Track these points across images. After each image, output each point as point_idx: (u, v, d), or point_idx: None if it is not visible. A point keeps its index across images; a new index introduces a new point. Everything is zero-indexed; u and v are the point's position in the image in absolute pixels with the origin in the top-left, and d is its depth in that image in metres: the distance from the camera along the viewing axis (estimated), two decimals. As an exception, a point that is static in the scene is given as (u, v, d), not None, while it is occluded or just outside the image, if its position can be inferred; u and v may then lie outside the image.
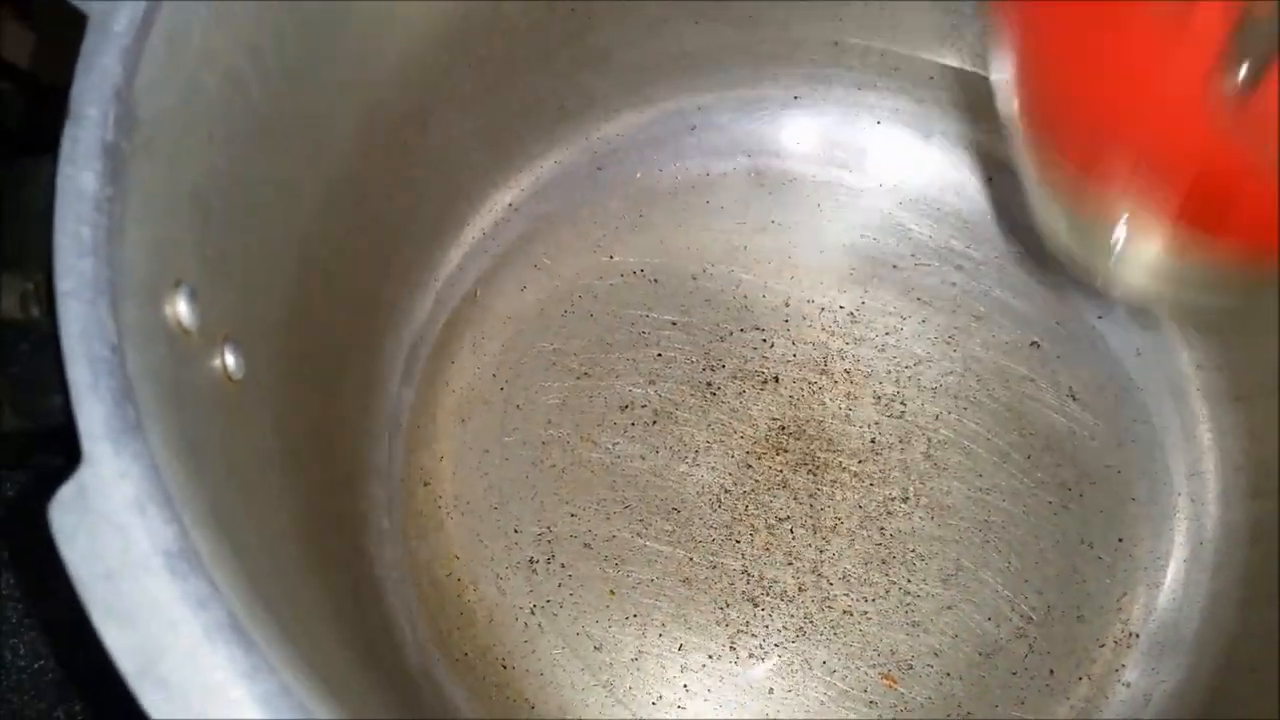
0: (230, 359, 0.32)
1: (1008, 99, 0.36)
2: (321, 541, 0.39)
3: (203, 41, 0.31)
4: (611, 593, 0.47)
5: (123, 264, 0.26)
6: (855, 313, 0.52)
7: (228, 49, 0.32)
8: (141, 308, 0.27)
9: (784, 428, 0.50)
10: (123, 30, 0.27)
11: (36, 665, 0.43)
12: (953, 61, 0.52)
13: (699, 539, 0.48)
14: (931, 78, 0.52)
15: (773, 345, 0.52)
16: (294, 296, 0.39)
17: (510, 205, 0.53)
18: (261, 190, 0.35)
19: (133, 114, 0.27)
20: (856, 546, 0.48)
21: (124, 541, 0.22)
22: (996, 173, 0.53)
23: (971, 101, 0.52)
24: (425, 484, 0.49)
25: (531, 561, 0.48)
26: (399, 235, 0.48)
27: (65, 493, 0.22)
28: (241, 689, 0.21)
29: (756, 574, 0.48)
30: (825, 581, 0.48)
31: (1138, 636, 0.47)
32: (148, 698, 0.21)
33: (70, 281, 0.24)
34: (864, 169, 0.55)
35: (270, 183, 0.36)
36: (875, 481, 0.49)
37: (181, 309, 0.29)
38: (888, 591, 0.48)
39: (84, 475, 0.22)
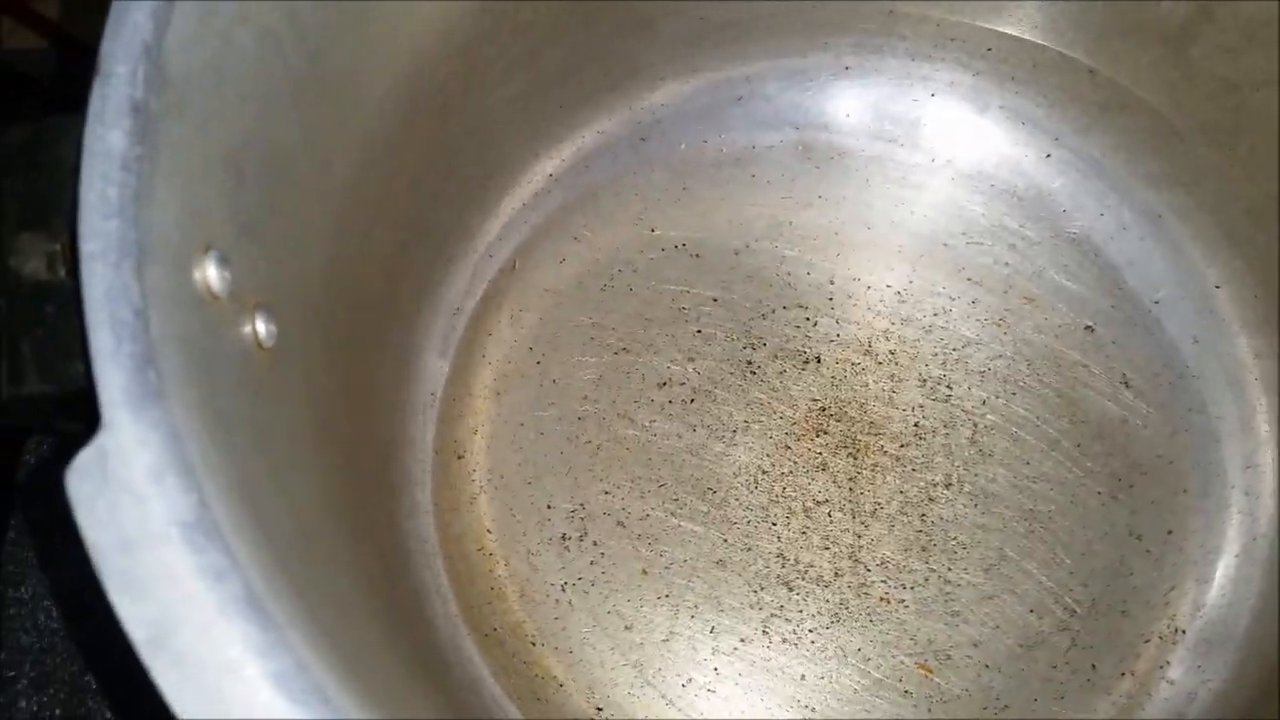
0: (262, 327, 0.31)
1: None
2: (352, 514, 0.38)
3: (239, 6, 0.30)
4: (644, 572, 0.47)
5: (150, 227, 0.25)
6: (902, 292, 0.51)
7: (262, 7, 0.31)
8: (169, 272, 0.26)
9: (825, 409, 0.49)
10: (154, -14, 0.27)
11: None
12: (1011, 30, 0.50)
13: (734, 520, 0.47)
14: (989, 49, 0.50)
15: (816, 324, 0.50)
16: (328, 264, 0.38)
17: (551, 175, 0.52)
18: (296, 154, 0.34)
19: (163, 72, 0.27)
20: (896, 532, 0.47)
21: (141, 511, 0.21)
22: (1054, 148, 0.51)
23: (1030, 74, 0.50)
24: (459, 457, 0.48)
25: (564, 538, 0.47)
26: (436, 202, 0.47)
27: (83, 459, 0.21)
28: (256, 666, 0.21)
29: (792, 558, 0.47)
30: (862, 567, 0.47)
31: (1184, 633, 0.46)
32: (160, 672, 0.20)
33: (95, 243, 0.24)
34: (916, 143, 0.53)
35: (305, 146, 0.35)
36: (917, 466, 0.48)
37: (211, 274, 0.28)
38: (927, 579, 0.46)
39: (102, 442, 0.22)
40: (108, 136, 0.25)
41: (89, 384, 0.23)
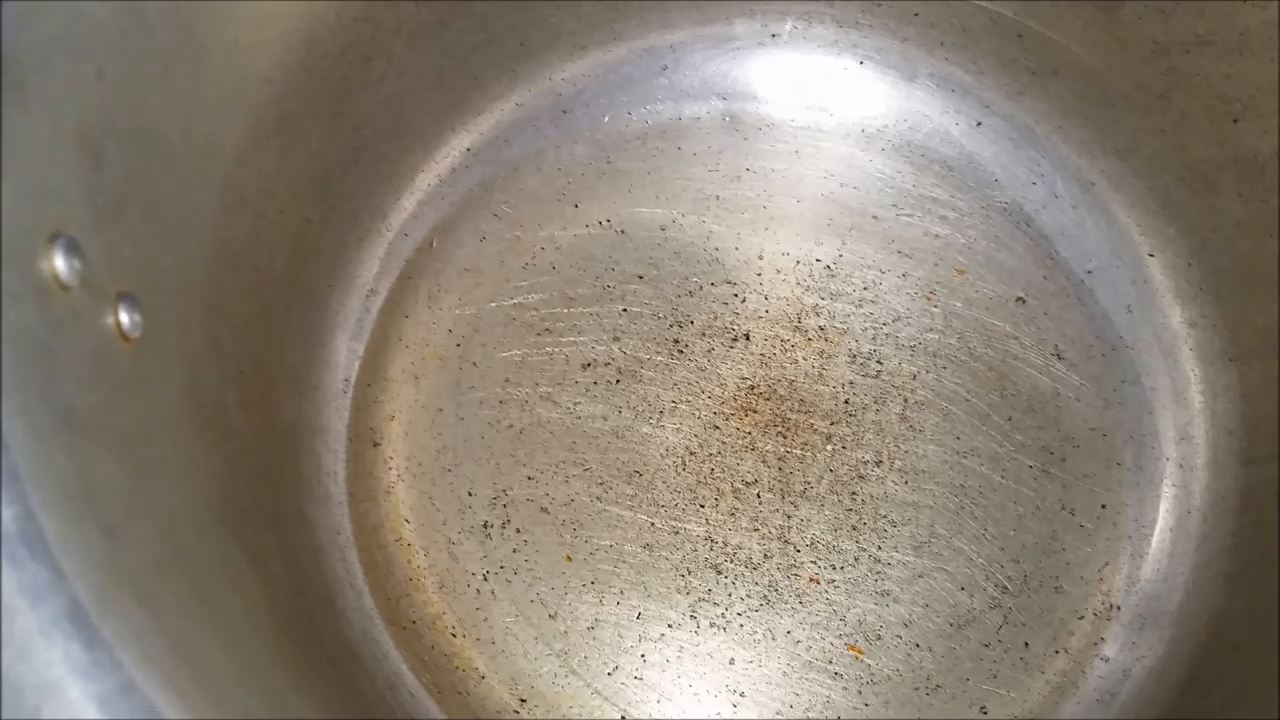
0: (125, 317, 0.29)
1: None
2: (248, 507, 0.37)
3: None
4: (568, 558, 0.45)
5: (-19, 214, 0.23)
6: (832, 266, 0.49)
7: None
8: (8, 263, 0.24)
9: (754, 387, 0.48)
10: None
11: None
12: (937, -7, 0.48)
13: (662, 503, 0.46)
14: (917, 14, 0.49)
15: (744, 300, 0.49)
16: (216, 243, 0.36)
17: (468, 150, 0.50)
18: (170, 131, 0.33)
19: (-5, 47, 0.25)
20: (826, 512, 0.46)
21: (-47, 525, 0.20)
22: (985, 116, 0.50)
23: (960, 40, 0.49)
24: (375, 445, 0.47)
25: (485, 526, 0.46)
26: (344, 179, 0.45)
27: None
28: (78, 688, 0.19)
29: (720, 540, 0.46)
30: (792, 548, 0.46)
31: (1118, 609, 0.45)
32: (-33, 700, 0.19)
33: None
34: (845, 113, 0.51)
35: (181, 123, 0.33)
36: (848, 444, 0.47)
37: (59, 264, 0.26)
38: (857, 559, 0.45)
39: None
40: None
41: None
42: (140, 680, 0.20)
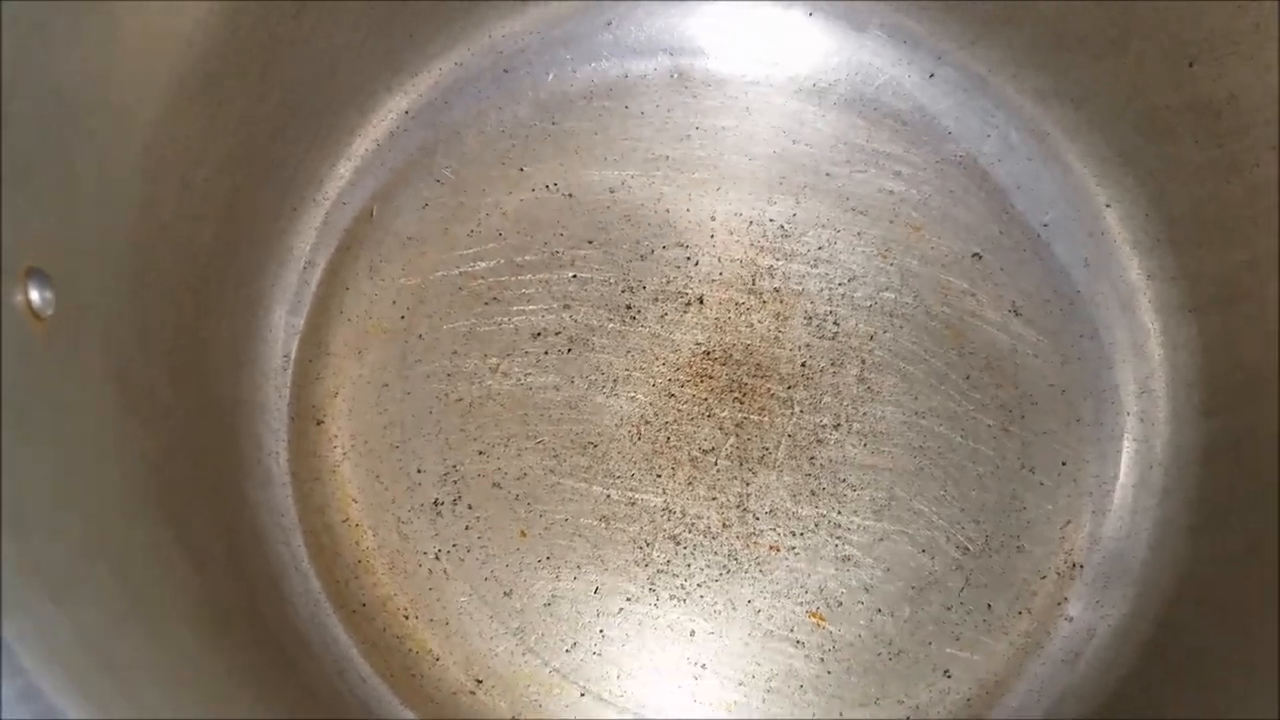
0: (35, 294, 0.27)
1: None
2: (184, 491, 0.35)
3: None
4: (523, 534, 0.44)
5: None
6: (786, 225, 0.48)
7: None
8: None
9: (709, 353, 0.47)
10: None
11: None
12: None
13: (617, 474, 0.45)
14: (865, -37, 0.47)
15: (697, 263, 0.48)
16: (138, 213, 0.34)
17: (407, 113, 0.48)
18: (81, 93, 0.30)
19: None
20: (785, 478, 0.45)
21: None
22: (938, 68, 0.49)
23: (909, -10, 0.48)
24: (318, 422, 0.45)
25: (436, 504, 0.44)
26: (276, 144, 0.43)
27: None
28: (-23, 696, 0.18)
29: (678, 510, 0.45)
30: (751, 516, 0.45)
31: (1081, 567, 0.45)
32: None
33: None
34: (795, 67, 0.50)
35: (94, 84, 0.31)
36: (805, 408, 0.46)
37: (-46, 237, 0.24)
38: (817, 525, 0.44)
39: None
40: None
41: None
42: (45, 683, 0.18)
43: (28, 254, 0.28)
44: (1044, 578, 0.44)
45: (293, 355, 0.45)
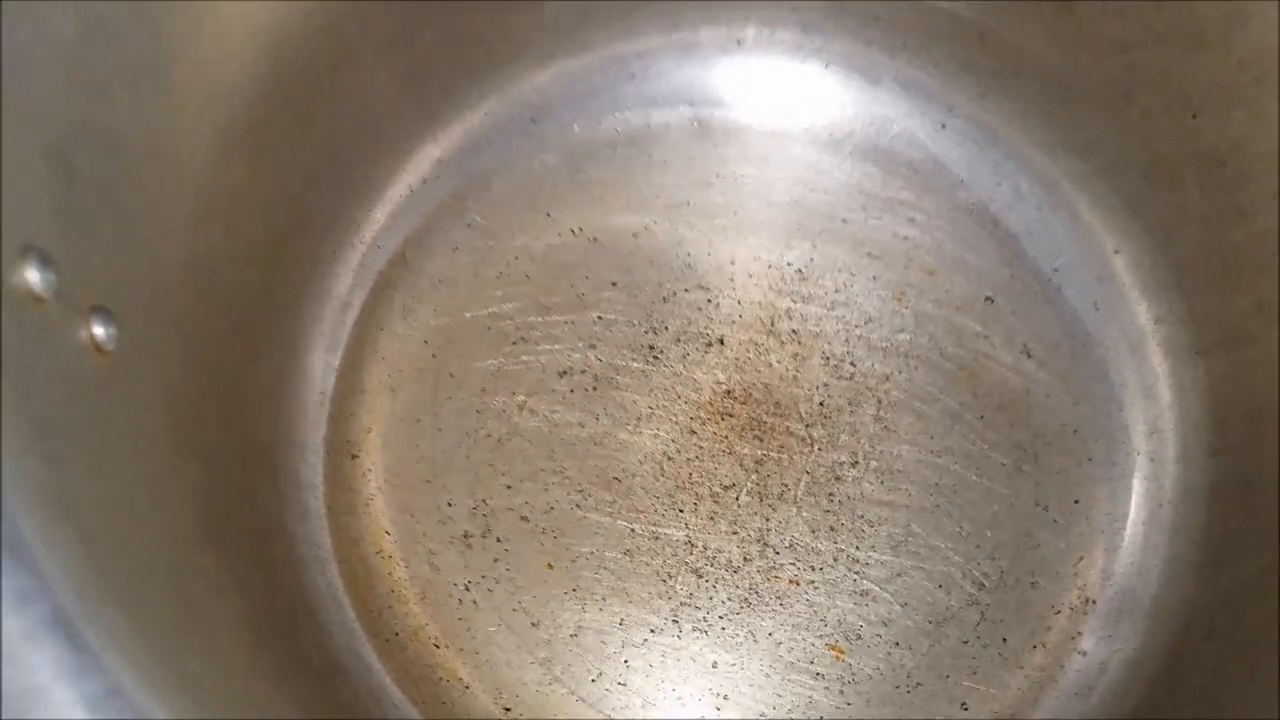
0: (99, 330, 0.29)
1: None
2: (226, 521, 0.37)
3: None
4: (549, 566, 0.45)
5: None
6: (803, 270, 0.50)
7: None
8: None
9: (729, 391, 0.48)
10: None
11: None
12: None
13: (641, 509, 0.46)
14: (879, 18, 0.50)
15: (718, 305, 0.49)
16: (189, 256, 0.36)
17: (439, 160, 0.50)
18: (139, 142, 0.32)
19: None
20: (804, 514, 0.46)
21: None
22: (949, 119, 0.51)
23: (922, 42, 0.50)
24: (353, 457, 0.47)
25: (466, 536, 0.46)
26: (316, 189, 0.45)
27: None
28: (65, 691, 0.19)
29: (700, 544, 0.46)
30: (771, 551, 0.46)
31: (1094, 603, 0.46)
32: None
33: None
34: (811, 118, 0.52)
35: (150, 133, 0.33)
36: (823, 446, 0.47)
37: (32, 277, 0.26)
38: (835, 560, 0.46)
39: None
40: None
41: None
42: (127, 683, 0.20)
43: (92, 292, 0.30)
44: (1058, 613, 0.45)
45: (329, 393, 0.47)
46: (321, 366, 0.47)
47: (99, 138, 0.30)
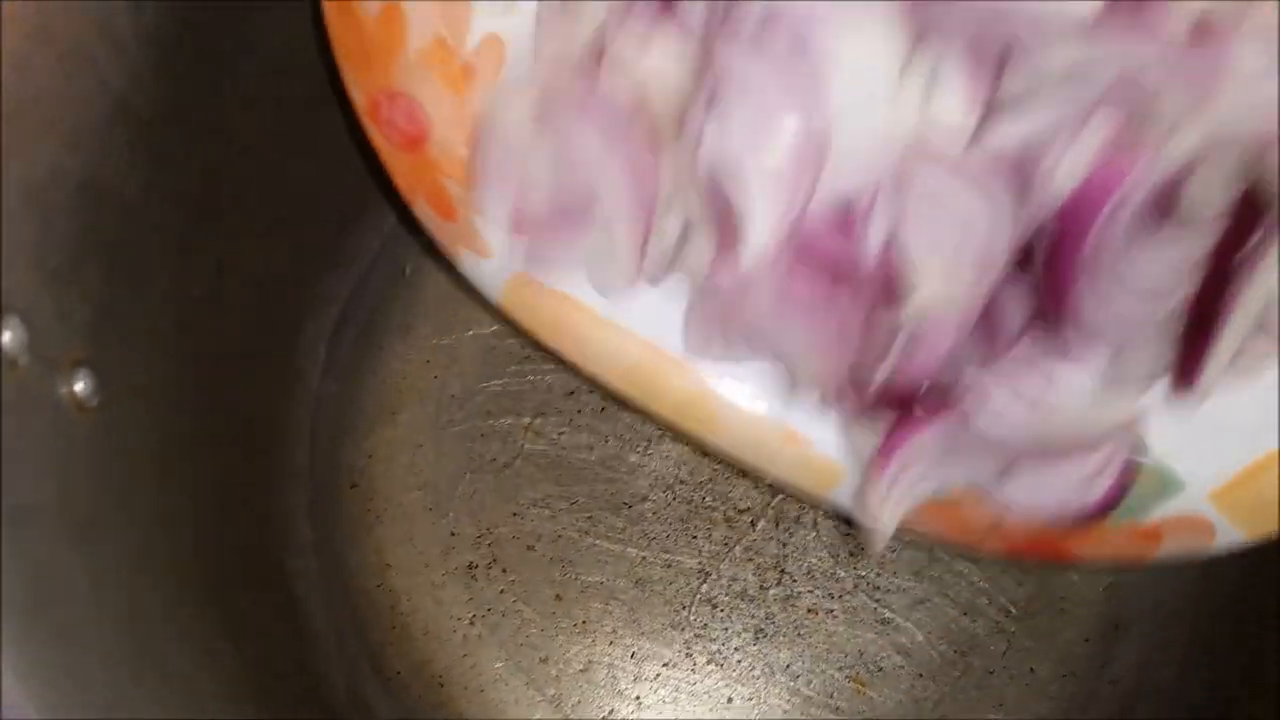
0: (81, 385, 0.27)
1: None
2: (222, 566, 0.35)
3: (37, 19, 0.26)
4: (558, 598, 0.44)
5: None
6: (818, 282, 0.48)
7: (72, 30, 0.27)
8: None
9: (743, 410, 0.46)
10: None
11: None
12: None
13: (652, 536, 0.45)
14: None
15: (729, 320, 0.47)
16: (178, 293, 0.34)
17: (438, 174, 0.48)
18: (128, 181, 0.30)
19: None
20: (822, 538, 0.45)
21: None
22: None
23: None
24: (352, 485, 0.45)
25: (470, 567, 0.44)
26: (312, 211, 0.43)
27: None
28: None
29: (714, 572, 0.44)
30: (789, 578, 0.44)
31: (1125, 629, 0.44)
32: None
33: None
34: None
35: (139, 173, 0.31)
36: (842, 468, 0.45)
37: (4, 338, 0.24)
38: (855, 587, 0.44)
39: None
40: None
41: None
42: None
43: (74, 346, 0.28)
44: (1087, 640, 0.44)
45: (326, 418, 0.45)
46: (317, 391, 0.45)
47: (80, 181, 0.28)
